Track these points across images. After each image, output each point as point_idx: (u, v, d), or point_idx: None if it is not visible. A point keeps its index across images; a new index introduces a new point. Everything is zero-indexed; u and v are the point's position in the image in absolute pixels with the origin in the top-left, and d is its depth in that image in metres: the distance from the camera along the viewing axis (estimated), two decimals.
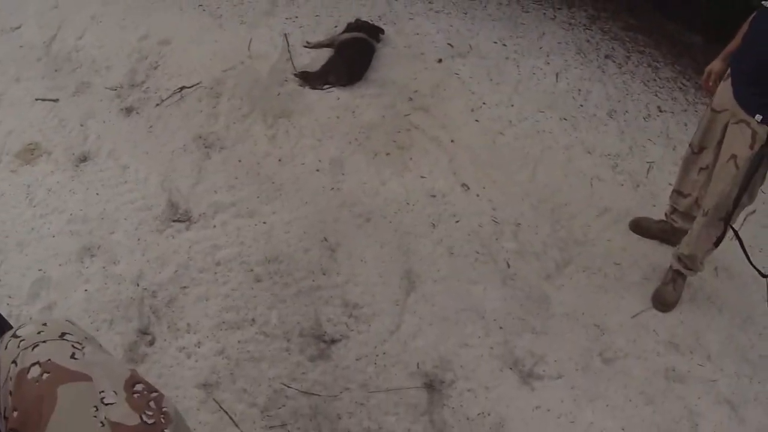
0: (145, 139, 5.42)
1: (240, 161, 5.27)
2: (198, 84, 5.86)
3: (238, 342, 4.20)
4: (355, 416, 3.98)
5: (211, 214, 4.90)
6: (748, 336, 4.71)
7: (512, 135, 5.73)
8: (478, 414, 4.05)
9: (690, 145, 4.55)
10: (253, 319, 4.32)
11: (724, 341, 4.63)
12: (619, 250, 5.05)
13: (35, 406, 1.84)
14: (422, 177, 5.30)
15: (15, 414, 1.71)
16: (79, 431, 1.78)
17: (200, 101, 5.74)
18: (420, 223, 5.00)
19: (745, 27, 4.13)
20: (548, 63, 6.50)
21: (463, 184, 5.27)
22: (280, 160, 5.30)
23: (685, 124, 6.10)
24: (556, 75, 6.37)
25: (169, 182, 5.10)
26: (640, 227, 5.16)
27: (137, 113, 5.65)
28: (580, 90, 6.26)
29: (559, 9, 7.31)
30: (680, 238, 4.68)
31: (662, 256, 4.98)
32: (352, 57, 6.07)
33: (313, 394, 4.01)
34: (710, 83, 4.39)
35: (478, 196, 5.22)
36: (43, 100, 5.75)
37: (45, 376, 1.83)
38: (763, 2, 3.80)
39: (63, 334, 2.02)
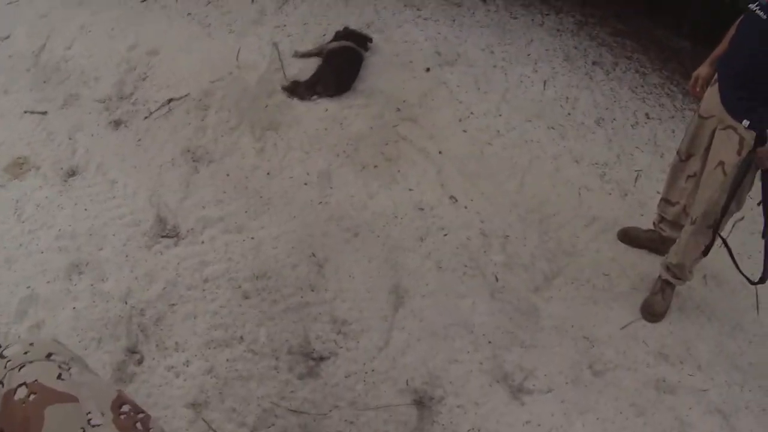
0: (133, 153, 5.42)
1: (228, 175, 5.27)
2: (186, 95, 5.86)
3: (227, 360, 4.19)
4: None
5: (199, 229, 4.90)
6: (737, 344, 4.71)
7: (500, 145, 5.72)
8: (468, 430, 4.05)
9: (677, 152, 4.55)
10: (241, 337, 4.32)
11: (714, 350, 4.63)
12: (608, 260, 5.05)
13: (22, 427, 1.86)
14: (410, 189, 5.29)
15: None
16: None
17: (188, 113, 5.74)
18: (408, 237, 5.00)
19: (732, 31, 4.12)
20: (536, 71, 6.49)
21: (451, 196, 5.27)
22: (268, 174, 5.30)
23: (673, 131, 6.09)
24: (544, 83, 6.36)
25: (158, 197, 5.09)
26: (629, 237, 5.16)
27: (126, 126, 5.65)
28: (567, 98, 6.26)
29: (547, 15, 7.30)
30: (668, 248, 4.68)
31: (651, 265, 4.97)
32: (340, 66, 6.06)
33: (302, 412, 4.01)
34: (697, 88, 4.38)
35: (466, 208, 5.22)
36: (32, 112, 5.75)
37: (32, 397, 1.84)
38: (749, 6, 3.80)
39: (49, 354, 2.03)
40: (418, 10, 7.06)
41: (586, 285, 4.87)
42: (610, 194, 5.49)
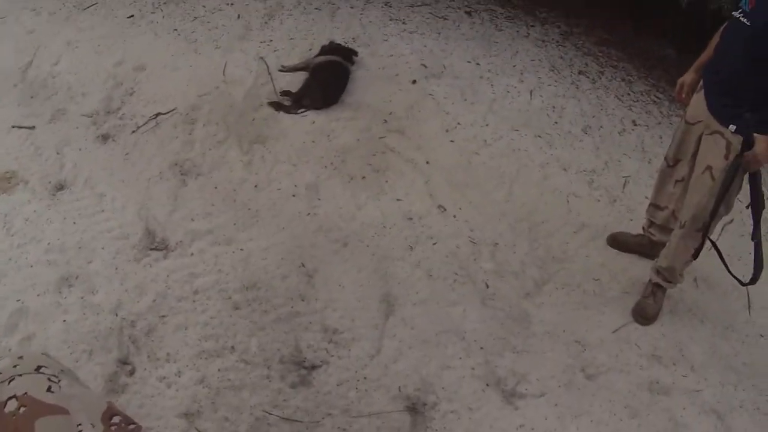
0: (121, 167, 5.42)
1: (216, 188, 5.26)
2: (173, 110, 5.86)
3: (219, 370, 4.18)
4: None
5: (188, 242, 4.89)
6: (730, 344, 4.71)
7: (487, 154, 5.72)
8: None
9: (665, 158, 4.57)
10: (232, 347, 4.30)
11: (707, 351, 4.63)
12: (598, 265, 5.05)
13: None
14: (398, 200, 5.30)
15: None
16: None
17: (176, 127, 5.74)
18: (397, 247, 4.99)
19: (716, 38, 4.15)
20: (522, 81, 6.51)
21: (440, 206, 5.27)
22: (256, 186, 5.29)
23: (660, 137, 6.11)
24: (530, 93, 6.38)
25: (146, 210, 5.09)
26: (618, 242, 5.16)
27: (113, 140, 5.65)
28: (554, 107, 6.27)
29: (532, 26, 7.33)
30: (658, 251, 4.69)
31: (641, 269, 4.98)
32: (326, 80, 6.07)
33: (295, 420, 3.99)
34: (683, 95, 4.41)
35: (454, 217, 5.22)
36: (20, 127, 5.75)
37: (22, 410, 1.82)
38: (733, 13, 3.82)
39: (39, 367, 2.01)
40: (403, 23, 7.08)
41: (577, 290, 4.87)
42: (599, 201, 5.49)
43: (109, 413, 2.01)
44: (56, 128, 5.75)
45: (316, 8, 7.18)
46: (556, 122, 6.12)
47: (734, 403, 4.36)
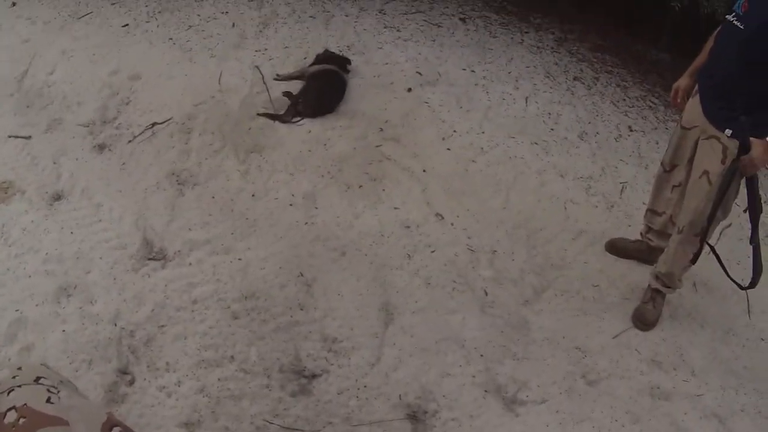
0: (118, 177, 5.41)
1: (213, 197, 5.25)
2: (169, 119, 5.85)
3: (218, 380, 4.16)
4: None
5: (186, 251, 4.87)
6: (731, 348, 4.72)
7: (484, 162, 5.73)
8: None
9: (661, 163, 4.58)
10: (232, 357, 4.28)
11: (708, 355, 4.63)
12: (597, 272, 5.05)
13: None
14: (396, 208, 5.29)
15: None
16: None
17: (172, 137, 5.73)
18: (395, 255, 4.98)
19: (710, 42, 4.16)
20: (517, 88, 6.52)
21: (437, 214, 5.27)
22: (253, 196, 5.29)
23: (657, 143, 6.13)
24: (526, 99, 6.39)
25: (144, 220, 5.07)
26: (616, 248, 5.16)
27: (110, 150, 5.64)
28: (550, 113, 6.29)
29: (526, 33, 7.35)
30: (657, 257, 4.70)
31: (640, 275, 4.99)
32: (321, 89, 6.07)
33: (296, 429, 3.97)
34: (678, 100, 4.42)
35: (452, 225, 5.22)
36: (16, 137, 5.74)
37: (21, 421, 1.81)
38: (727, 17, 3.83)
39: (38, 378, 2.00)
40: (398, 31, 7.09)
41: (576, 297, 4.87)
42: (596, 207, 5.50)
43: (109, 424, 2.00)
44: (52, 138, 5.74)
45: (311, 16, 7.19)
46: (552, 129, 6.13)
47: (735, 407, 4.35)
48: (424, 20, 7.30)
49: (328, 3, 7.45)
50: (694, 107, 4.17)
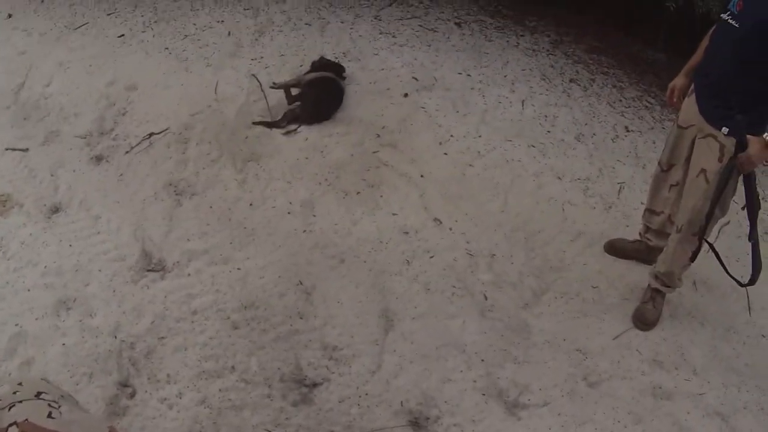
0: (115, 188, 5.41)
1: (211, 207, 5.26)
2: (166, 129, 5.85)
3: (220, 390, 4.16)
4: None
5: (185, 262, 4.87)
6: (732, 346, 4.71)
7: (481, 166, 5.73)
8: None
9: (659, 162, 4.58)
10: (233, 367, 4.28)
11: (709, 354, 4.63)
12: (596, 273, 5.05)
13: None
14: (394, 214, 5.29)
15: None
16: None
17: (169, 147, 5.73)
18: (394, 261, 4.98)
19: (705, 41, 4.16)
20: (513, 91, 6.52)
21: (435, 219, 5.27)
22: (251, 205, 5.29)
23: (654, 142, 6.13)
24: (522, 102, 6.39)
25: (142, 231, 5.07)
26: (615, 248, 5.16)
27: (107, 161, 5.64)
28: (546, 116, 6.28)
29: (522, 36, 7.35)
30: (656, 257, 4.70)
31: (639, 275, 4.98)
32: (318, 96, 6.06)
33: None
34: (674, 99, 4.42)
35: (450, 229, 5.22)
36: (13, 149, 5.74)
37: None
38: (722, 15, 3.83)
39: (39, 393, 2.00)
40: (393, 37, 7.09)
41: (576, 299, 4.87)
42: (594, 208, 5.50)
43: None
44: (50, 150, 5.74)
45: (306, 24, 7.19)
46: (548, 131, 6.13)
47: (738, 405, 4.35)
48: (420, 25, 7.30)
49: (324, 10, 7.45)
50: (690, 106, 4.17)
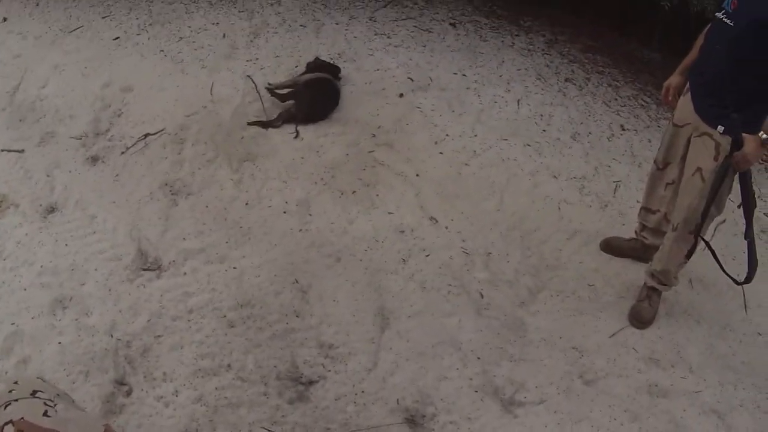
0: (111, 189, 5.40)
1: (207, 207, 5.25)
2: (162, 130, 5.85)
3: (216, 389, 4.15)
4: None
5: (180, 261, 4.87)
6: (728, 344, 4.72)
7: (477, 165, 5.73)
8: None
9: (654, 161, 4.59)
10: (229, 365, 4.28)
11: (705, 352, 4.63)
12: (592, 271, 5.05)
13: None
14: (390, 213, 5.29)
15: None
16: None
17: (165, 148, 5.73)
18: (390, 260, 4.98)
19: (700, 40, 4.17)
20: (509, 90, 6.53)
21: (431, 218, 5.27)
22: (247, 204, 5.28)
23: (649, 141, 6.14)
24: (518, 102, 6.40)
25: (138, 231, 5.07)
26: (611, 247, 5.16)
27: (103, 162, 5.63)
28: (542, 115, 6.29)
29: (516, 36, 7.36)
30: (652, 255, 4.71)
31: (635, 273, 4.99)
32: (314, 98, 6.05)
33: None
34: (669, 98, 4.43)
35: (446, 228, 5.22)
36: (9, 151, 5.73)
37: None
38: (716, 14, 3.84)
39: (34, 391, 2.00)
40: (388, 37, 7.10)
41: (572, 297, 4.87)
42: (590, 206, 5.50)
43: None
44: (45, 151, 5.73)
45: (301, 25, 7.19)
46: (544, 130, 6.14)
47: (734, 403, 4.35)
48: (415, 26, 7.31)
49: (319, 12, 7.45)
50: (685, 105, 4.18)
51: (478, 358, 4.44)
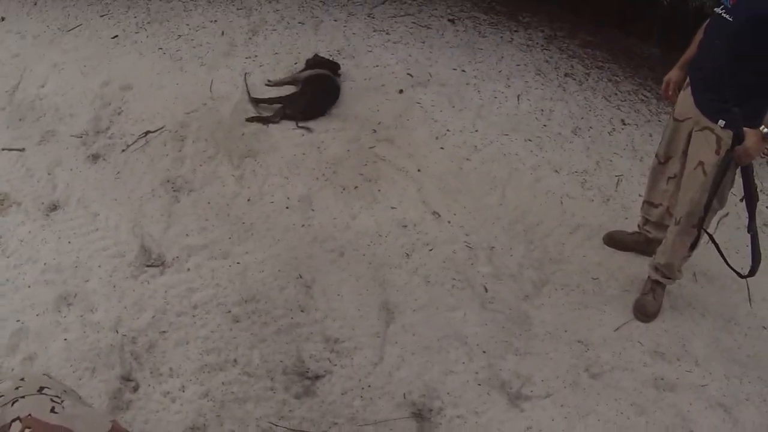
0: (113, 186, 5.39)
1: (209, 203, 5.25)
2: (162, 128, 5.84)
3: (222, 384, 4.15)
4: None
5: (184, 257, 4.87)
6: (733, 337, 4.72)
7: (478, 160, 5.73)
8: None
9: (656, 155, 4.59)
10: (235, 360, 4.28)
11: (710, 345, 4.63)
12: (595, 265, 5.05)
13: None
14: (392, 208, 5.29)
15: None
16: None
17: (165, 145, 5.72)
18: (394, 254, 4.98)
19: (699, 34, 4.18)
20: (509, 86, 6.53)
21: (434, 212, 5.27)
22: (249, 200, 5.28)
23: (650, 135, 6.14)
24: (518, 97, 6.40)
25: (140, 228, 5.06)
26: (614, 240, 5.17)
27: (104, 160, 5.62)
28: (542, 110, 6.30)
29: (515, 31, 7.36)
30: (655, 248, 4.70)
31: (639, 267, 4.99)
32: (313, 94, 6.06)
33: (301, 431, 3.97)
34: (670, 92, 4.43)
35: (449, 222, 5.22)
36: (9, 149, 5.72)
37: (27, 431, 1.80)
38: (716, 9, 3.85)
39: (41, 388, 2.00)
40: (387, 34, 7.10)
41: (576, 290, 4.87)
42: (593, 200, 5.51)
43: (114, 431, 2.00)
44: (46, 149, 5.72)
45: (300, 22, 7.19)
46: (545, 125, 6.14)
47: (740, 396, 4.35)
48: (413, 22, 7.31)
49: (317, 8, 7.45)
50: (685, 99, 4.18)
51: (484, 351, 4.44)
